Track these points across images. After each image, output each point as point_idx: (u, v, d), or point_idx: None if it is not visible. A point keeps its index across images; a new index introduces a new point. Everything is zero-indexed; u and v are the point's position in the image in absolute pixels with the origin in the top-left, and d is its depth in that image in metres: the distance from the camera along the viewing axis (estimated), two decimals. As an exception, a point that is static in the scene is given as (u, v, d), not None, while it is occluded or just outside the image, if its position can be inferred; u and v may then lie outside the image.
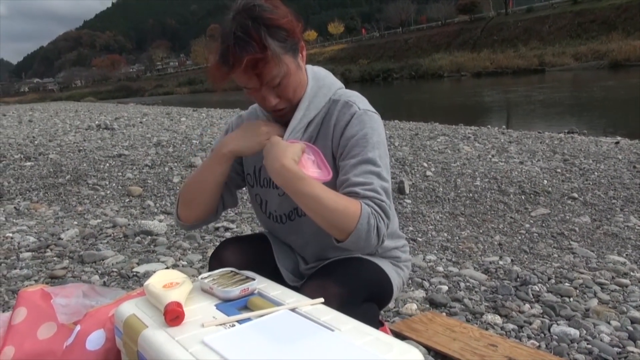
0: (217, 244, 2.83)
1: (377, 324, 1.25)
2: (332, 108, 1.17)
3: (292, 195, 1.06)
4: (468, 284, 2.25)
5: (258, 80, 1.07)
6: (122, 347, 0.99)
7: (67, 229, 3.04)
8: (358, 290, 1.12)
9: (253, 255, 1.26)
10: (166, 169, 5.15)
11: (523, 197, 3.97)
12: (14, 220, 3.35)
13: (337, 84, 1.23)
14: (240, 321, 0.89)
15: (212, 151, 1.22)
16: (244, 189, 1.40)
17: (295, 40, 1.09)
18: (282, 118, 1.17)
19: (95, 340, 1.09)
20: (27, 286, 1.72)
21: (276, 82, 1.08)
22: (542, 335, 1.77)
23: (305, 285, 1.10)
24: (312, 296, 1.00)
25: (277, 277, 1.21)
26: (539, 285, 2.21)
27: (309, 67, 1.22)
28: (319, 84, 1.19)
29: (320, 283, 1.07)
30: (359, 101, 1.18)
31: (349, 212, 1.02)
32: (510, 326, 1.83)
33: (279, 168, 1.05)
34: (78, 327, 1.13)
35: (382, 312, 1.95)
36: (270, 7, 1.06)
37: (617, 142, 6.42)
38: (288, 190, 1.06)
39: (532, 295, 2.11)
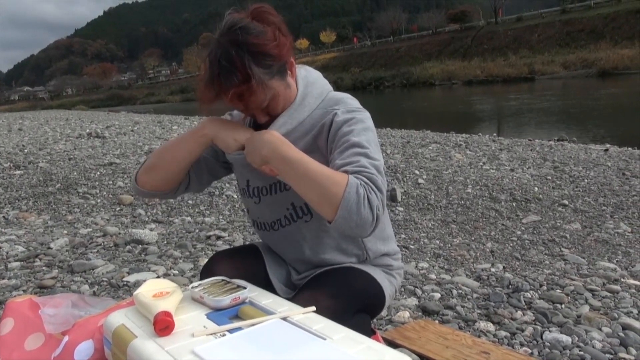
0: (209, 252, 2.82)
1: (369, 333, 1.24)
2: (319, 119, 1.15)
3: (278, 163, 1.03)
4: (460, 291, 2.25)
5: (245, 108, 1.08)
6: (111, 357, 0.98)
7: (57, 238, 3.00)
8: (350, 302, 1.11)
9: (245, 267, 1.24)
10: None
11: (514, 204, 3.99)
12: (3, 230, 3.31)
13: (326, 88, 1.21)
14: (231, 330, 0.88)
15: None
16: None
17: (282, 63, 1.08)
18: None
19: (84, 351, 1.08)
20: (15, 296, 1.70)
21: (264, 105, 1.09)
22: (535, 342, 1.77)
23: (296, 297, 1.09)
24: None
25: (269, 290, 1.20)
26: (531, 292, 2.22)
27: (301, 69, 1.20)
28: (307, 90, 1.17)
29: (312, 295, 1.06)
30: (344, 103, 1.16)
31: (335, 179, 0.97)
32: (503, 333, 1.83)
33: (267, 137, 1.04)
34: (66, 338, 1.11)
35: (375, 320, 1.94)
36: (256, 28, 1.04)
37: (607, 150, 6.49)
38: (274, 157, 1.03)
39: (524, 302, 2.12)
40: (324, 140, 1.13)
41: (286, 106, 1.14)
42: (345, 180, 0.96)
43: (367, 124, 1.12)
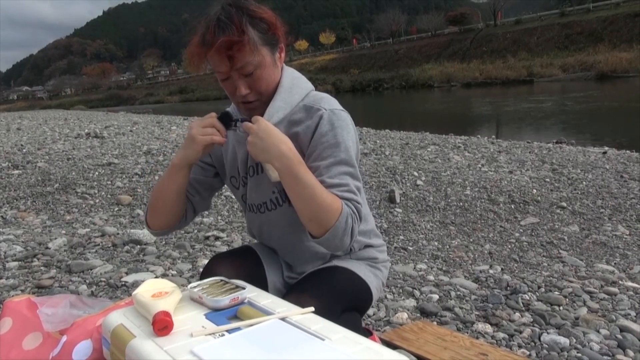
0: (207, 253, 2.82)
1: (361, 330, 1.25)
2: (302, 114, 1.18)
3: (288, 179, 1.06)
4: (459, 292, 2.26)
5: (229, 64, 1.08)
6: (109, 357, 0.98)
7: (55, 238, 3.00)
8: (334, 301, 1.13)
9: (244, 268, 1.26)
10: (156, 177, 5.12)
11: (513, 206, 3.99)
12: (1, 230, 3.30)
13: (310, 85, 1.25)
14: (229, 331, 0.88)
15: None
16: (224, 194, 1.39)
17: (275, 37, 1.13)
18: (250, 112, 1.17)
19: (82, 350, 1.08)
20: (13, 296, 1.69)
21: (249, 69, 1.10)
22: (533, 343, 1.77)
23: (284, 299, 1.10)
24: None
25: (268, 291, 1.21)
26: (529, 293, 2.22)
27: (287, 68, 1.23)
28: (294, 82, 1.21)
29: (297, 298, 1.08)
30: (327, 102, 1.19)
31: (332, 207, 1.04)
32: (501, 335, 1.83)
33: (285, 150, 1.05)
34: (64, 338, 1.11)
35: (372, 321, 1.94)
36: (258, 3, 1.12)
37: (605, 152, 6.50)
38: (286, 172, 1.05)
39: (522, 303, 2.12)
40: (307, 141, 1.15)
41: (269, 87, 1.15)
42: (339, 209, 1.05)
43: (351, 133, 1.16)
